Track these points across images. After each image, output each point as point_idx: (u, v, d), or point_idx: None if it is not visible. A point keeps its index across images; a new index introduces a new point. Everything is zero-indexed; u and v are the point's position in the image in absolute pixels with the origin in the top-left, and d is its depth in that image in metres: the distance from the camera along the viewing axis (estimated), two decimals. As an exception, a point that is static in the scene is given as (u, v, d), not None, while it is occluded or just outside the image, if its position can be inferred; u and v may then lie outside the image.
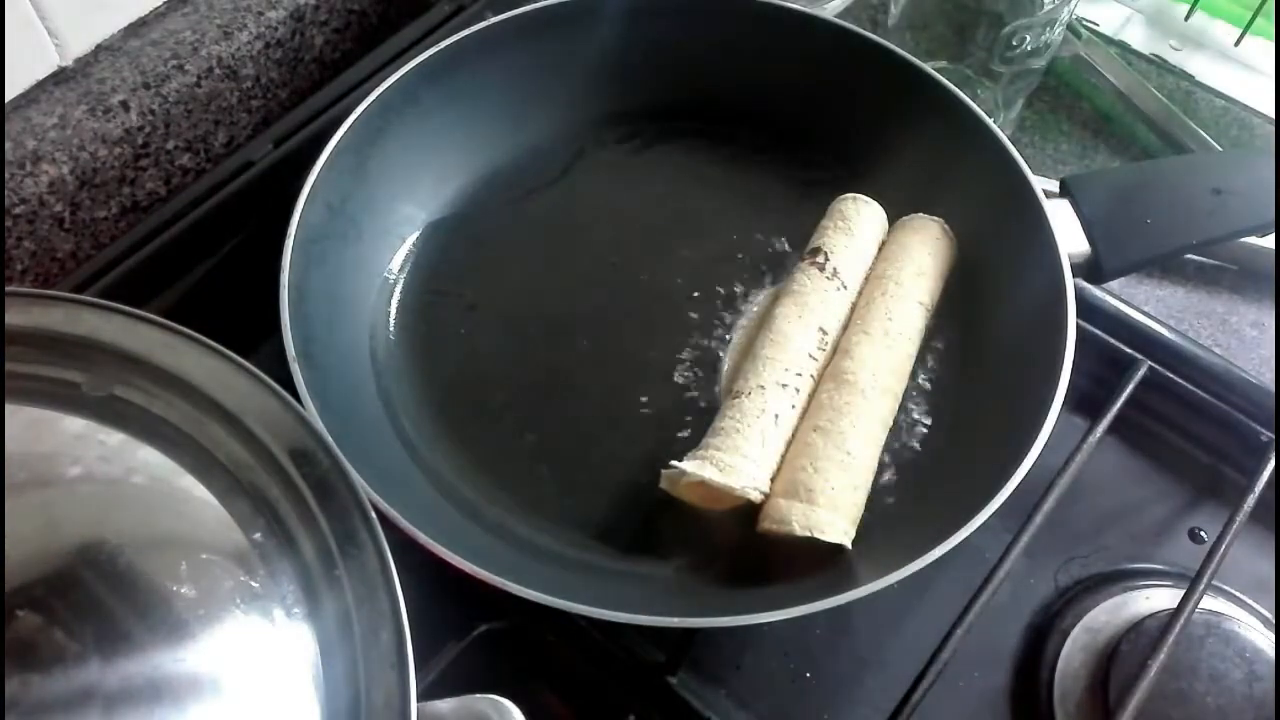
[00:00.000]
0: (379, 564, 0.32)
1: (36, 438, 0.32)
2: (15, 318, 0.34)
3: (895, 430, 0.52)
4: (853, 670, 0.50)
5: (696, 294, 0.58)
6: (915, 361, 0.54)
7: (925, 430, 0.53)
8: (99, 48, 0.59)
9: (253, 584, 0.31)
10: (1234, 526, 0.49)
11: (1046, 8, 0.61)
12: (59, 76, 0.58)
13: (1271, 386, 0.56)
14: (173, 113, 0.60)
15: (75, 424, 0.33)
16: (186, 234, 0.56)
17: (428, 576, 0.41)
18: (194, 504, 0.32)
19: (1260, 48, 0.75)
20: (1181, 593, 0.48)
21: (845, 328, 0.54)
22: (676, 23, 0.62)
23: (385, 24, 0.72)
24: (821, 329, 0.53)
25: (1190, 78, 0.75)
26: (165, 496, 0.32)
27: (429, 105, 0.58)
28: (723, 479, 0.46)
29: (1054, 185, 0.56)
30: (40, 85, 0.57)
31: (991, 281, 0.56)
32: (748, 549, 0.48)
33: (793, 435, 0.50)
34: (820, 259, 0.55)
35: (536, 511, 0.51)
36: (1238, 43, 0.75)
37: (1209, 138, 0.70)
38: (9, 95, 0.55)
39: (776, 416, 0.49)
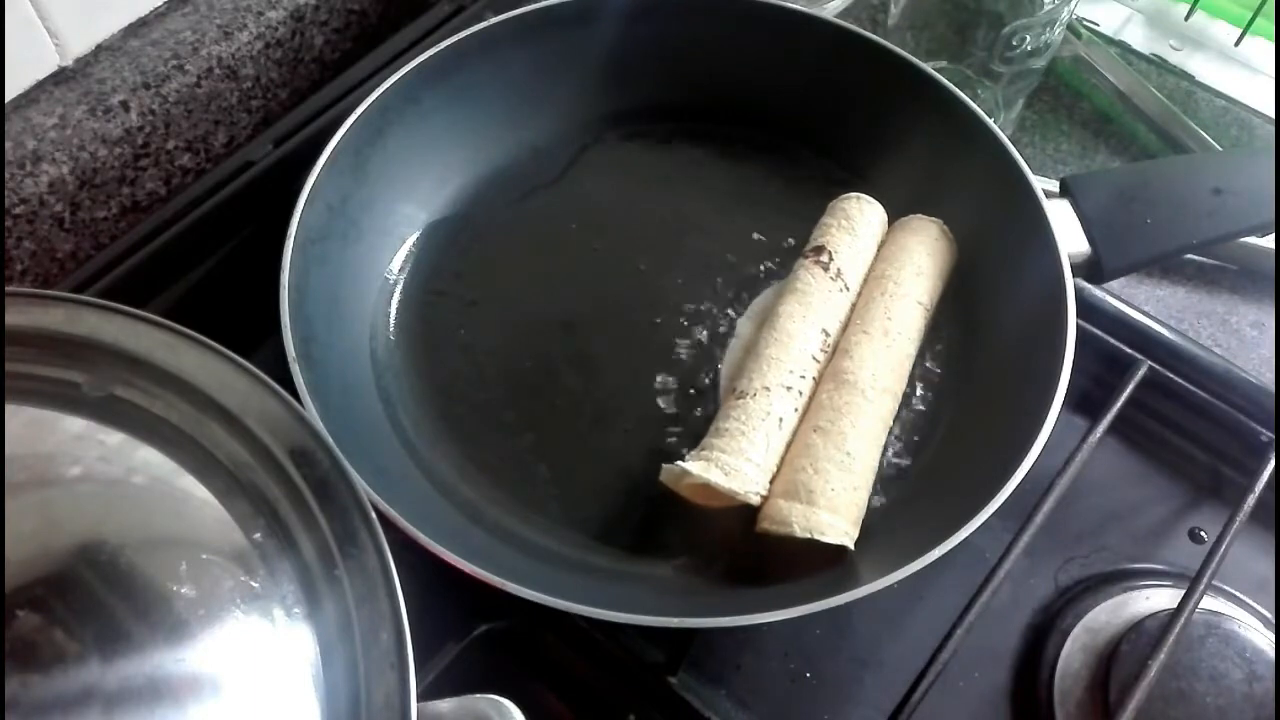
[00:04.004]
0: (379, 564, 0.32)
1: (36, 438, 0.32)
2: (15, 318, 0.34)
3: (895, 430, 0.52)
4: (853, 670, 0.50)
5: (696, 293, 0.58)
6: (915, 361, 0.54)
7: (925, 431, 0.53)
8: (99, 48, 0.59)
9: (253, 584, 0.31)
10: (1234, 526, 0.49)
11: (1046, 8, 0.61)
12: (59, 76, 0.58)
13: (1271, 386, 0.56)
14: (173, 113, 0.60)
15: (75, 424, 0.33)
16: (186, 234, 0.56)
17: (428, 576, 0.41)
18: (194, 504, 0.32)
19: (1260, 48, 0.75)
20: (1181, 593, 0.48)
21: (845, 328, 0.54)
22: (676, 23, 0.62)
23: (385, 24, 0.72)
24: (824, 330, 0.53)
25: (1190, 78, 0.75)
26: (165, 496, 0.32)
27: (429, 105, 0.58)
28: (727, 483, 0.46)
29: (1054, 185, 0.56)
30: (40, 85, 0.57)
31: (991, 282, 0.56)
32: (748, 549, 0.48)
33: (793, 435, 0.50)
34: (824, 258, 0.55)
35: (536, 511, 0.51)
36: (1238, 43, 0.75)
37: (1209, 138, 0.70)
38: (9, 95, 0.55)
39: (780, 420, 0.49)
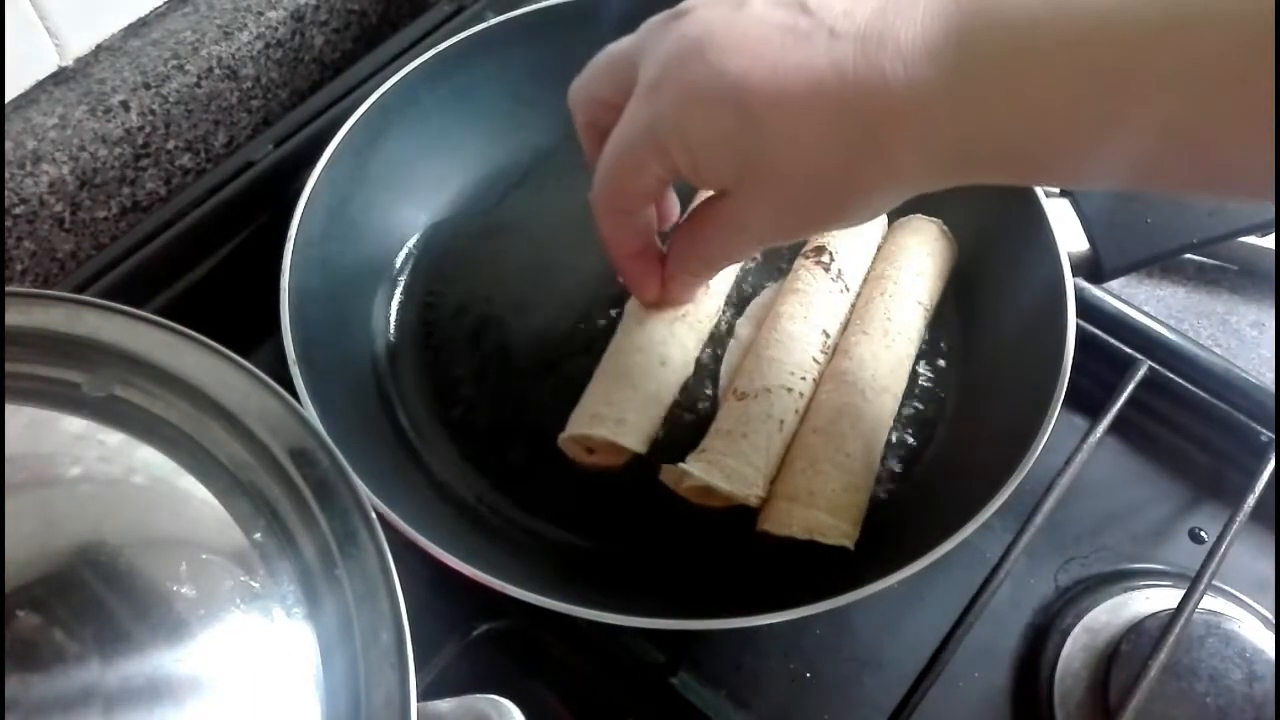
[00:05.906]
0: (379, 564, 0.31)
1: (36, 438, 0.32)
2: (15, 318, 0.34)
3: (895, 430, 0.52)
4: (853, 670, 0.50)
5: (696, 294, 0.58)
6: (915, 361, 0.54)
7: (925, 431, 0.53)
8: (99, 48, 0.59)
9: (253, 584, 0.31)
10: (1234, 526, 0.49)
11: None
12: (59, 76, 0.58)
13: (1271, 386, 0.56)
14: (173, 113, 0.60)
15: (75, 424, 0.33)
16: (186, 234, 0.56)
17: (428, 577, 0.42)
18: (194, 504, 0.32)
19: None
20: (1181, 593, 0.48)
21: (845, 329, 0.54)
22: (676, 23, 0.62)
23: (385, 24, 0.72)
24: (825, 331, 0.53)
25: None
26: (165, 496, 0.32)
27: (429, 106, 0.58)
28: (728, 485, 0.46)
29: (1054, 185, 0.56)
30: (40, 85, 0.57)
31: (991, 281, 0.56)
32: (748, 549, 0.48)
33: (793, 436, 0.50)
34: (825, 259, 0.55)
35: (536, 512, 0.51)
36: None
37: (1209, 138, 0.70)
38: (9, 95, 0.55)
39: (781, 421, 0.49)
